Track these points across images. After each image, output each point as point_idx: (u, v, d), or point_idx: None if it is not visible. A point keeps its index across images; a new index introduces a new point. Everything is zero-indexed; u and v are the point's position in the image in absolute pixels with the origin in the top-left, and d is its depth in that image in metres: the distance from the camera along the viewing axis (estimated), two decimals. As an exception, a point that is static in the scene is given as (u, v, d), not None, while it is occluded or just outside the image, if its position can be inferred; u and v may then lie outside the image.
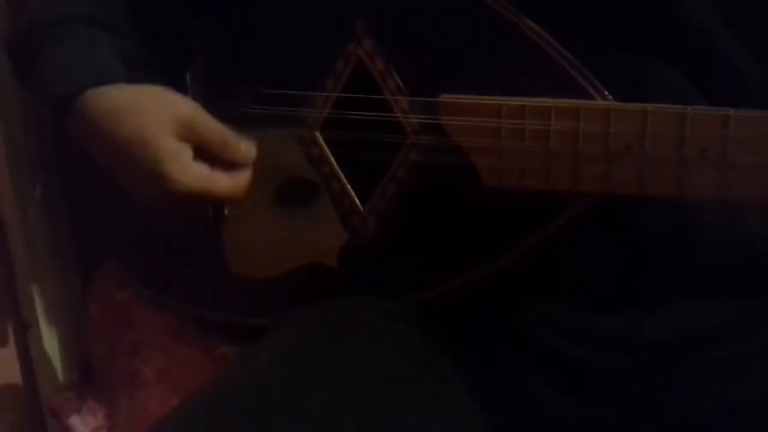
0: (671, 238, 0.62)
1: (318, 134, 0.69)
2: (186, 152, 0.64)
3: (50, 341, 0.92)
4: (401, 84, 0.65)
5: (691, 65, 0.60)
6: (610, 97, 0.58)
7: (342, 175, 0.69)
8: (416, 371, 0.63)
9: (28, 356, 0.93)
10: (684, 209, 0.61)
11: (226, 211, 0.74)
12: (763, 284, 0.62)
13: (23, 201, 0.90)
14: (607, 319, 0.64)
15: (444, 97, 0.62)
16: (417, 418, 0.59)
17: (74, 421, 0.84)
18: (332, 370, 0.59)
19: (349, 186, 0.69)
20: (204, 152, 0.65)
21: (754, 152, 0.54)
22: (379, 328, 0.66)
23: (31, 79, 0.72)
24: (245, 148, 0.66)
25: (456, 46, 0.63)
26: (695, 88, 0.60)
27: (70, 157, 0.84)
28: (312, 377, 0.58)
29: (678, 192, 0.57)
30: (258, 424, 0.53)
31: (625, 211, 0.61)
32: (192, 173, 0.63)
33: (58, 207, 0.93)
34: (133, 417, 0.82)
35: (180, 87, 0.71)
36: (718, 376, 0.61)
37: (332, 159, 0.69)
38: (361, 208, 0.69)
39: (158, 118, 0.64)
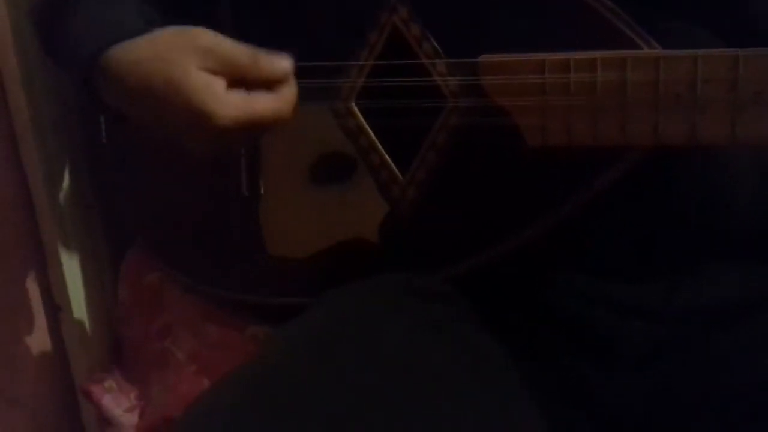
0: (704, 204, 0.61)
1: (353, 105, 0.68)
2: (217, 83, 0.60)
3: (82, 323, 0.92)
4: (438, 47, 0.64)
5: (728, 28, 0.58)
6: (657, 45, 0.57)
7: (380, 145, 0.68)
8: (452, 348, 0.62)
9: (60, 338, 0.92)
10: (718, 174, 0.60)
11: (261, 189, 0.73)
12: None
13: (53, 184, 0.89)
14: (639, 289, 0.63)
15: (484, 57, 0.61)
16: (454, 396, 0.58)
17: (107, 402, 0.83)
18: (368, 349, 0.58)
19: (387, 156, 0.68)
20: (239, 80, 0.61)
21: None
22: (415, 306, 0.65)
23: (58, 47, 0.71)
24: (279, 61, 0.62)
25: (493, 4, 0.62)
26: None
27: (99, 140, 0.84)
28: (347, 357, 0.57)
29: (731, 139, 0.56)
30: (292, 406, 0.52)
31: (658, 177, 0.60)
32: (228, 102, 0.60)
33: (88, 190, 0.93)
34: (165, 398, 0.81)
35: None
36: (749, 351, 0.60)
37: (369, 129, 0.68)
38: (400, 177, 0.68)
39: (181, 56, 0.61)
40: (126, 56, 0.63)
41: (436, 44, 0.64)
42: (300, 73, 0.68)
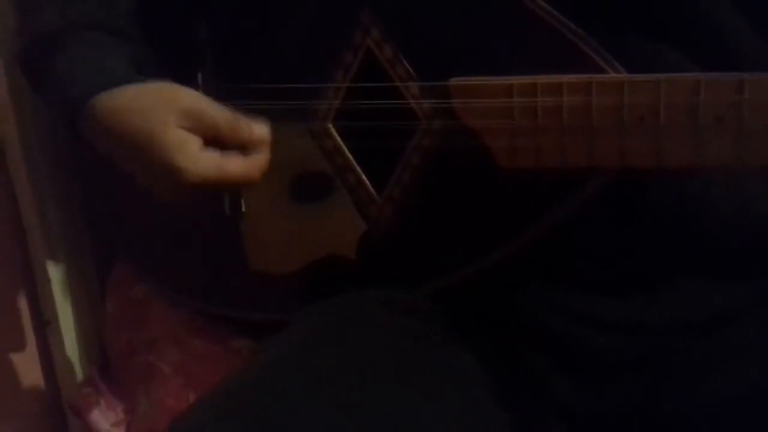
0: (679, 218, 0.62)
1: (331, 126, 0.70)
2: (192, 142, 0.63)
3: (69, 338, 0.94)
4: (411, 70, 0.65)
5: (699, 50, 0.59)
6: (622, 69, 0.58)
7: (357, 166, 0.69)
8: (431, 363, 0.63)
9: (48, 353, 0.94)
10: (692, 189, 0.61)
11: (243, 208, 0.75)
12: None
13: (41, 200, 0.91)
14: (615, 303, 0.63)
15: (454, 80, 0.62)
16: (432, 411, 0.58)
17: (95, 416, 0.85)
18: (349, 365, 0.59)
19: (364, 176, 0.69)
20: (216, 141, 0.64)
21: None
22: (395, 321, 0.66)
23: (45, 88, 0.73)
24: (258, 129, 0.66)
25: (465, 28, 0.63)
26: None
27: (86, 156, 0.85)
28: (328, 372, 0.58)
29: (695, 162, 0.56)
30: (275, 420, 0.54)
31: (633, 192, 0.61)
32: (201, 161, 0.63)
33: (75, 205, 0.94)
34: (151, 412, 0.83)
35: (192, 86, 0.71)
36: (729, 362, 0.61)
37: (346, 150, 0.69)
38: (377, 197, 0.69)
39: (162, 112, 0.64)
40: (113, 103, 0.66)
41: (408, 66, 0.65)
42: (279, 94, 0.69)
